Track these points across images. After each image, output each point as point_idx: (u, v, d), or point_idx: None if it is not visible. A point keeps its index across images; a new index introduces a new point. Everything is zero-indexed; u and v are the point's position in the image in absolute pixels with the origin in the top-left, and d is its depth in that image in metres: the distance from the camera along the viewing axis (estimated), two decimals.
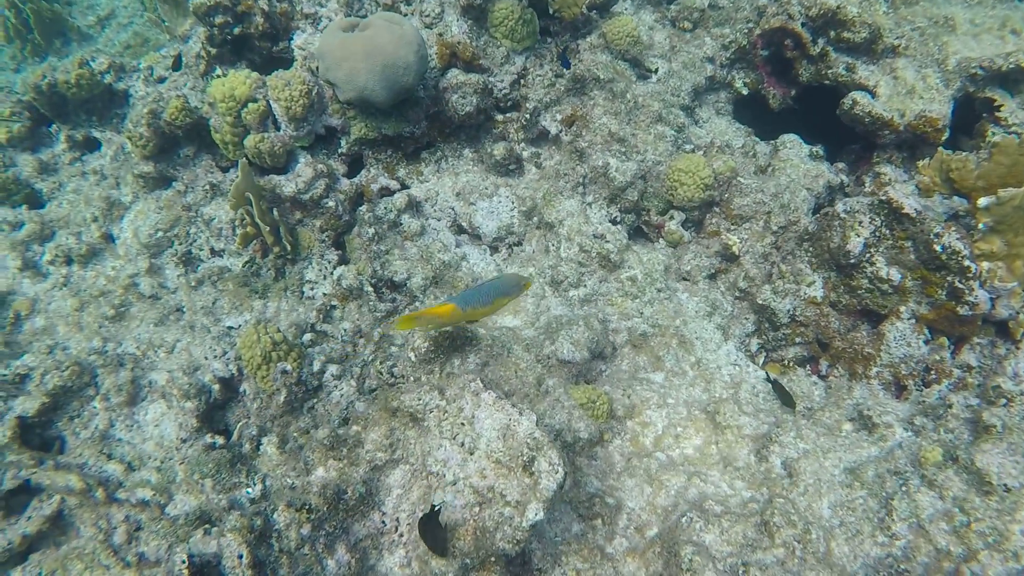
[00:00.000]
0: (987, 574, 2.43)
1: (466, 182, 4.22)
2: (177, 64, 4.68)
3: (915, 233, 3.28)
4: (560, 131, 4.22)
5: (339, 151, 4.26)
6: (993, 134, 4.17)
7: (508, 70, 4.38)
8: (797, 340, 3.69)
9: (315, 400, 3.51)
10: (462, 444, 2.47)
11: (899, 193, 3.27)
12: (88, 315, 3.93)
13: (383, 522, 2.54)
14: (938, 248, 3.18)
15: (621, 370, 3.60)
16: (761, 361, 3.72)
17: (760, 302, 3.68)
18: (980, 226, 3.17)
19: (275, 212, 3.97)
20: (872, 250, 3.42)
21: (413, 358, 3.39)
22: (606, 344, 3.62)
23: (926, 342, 3.39)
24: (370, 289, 3.85)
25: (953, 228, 3.19)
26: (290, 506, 2.47)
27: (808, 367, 3.68)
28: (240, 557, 2.47)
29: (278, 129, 4.05)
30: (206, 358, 3.58)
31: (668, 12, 4.89)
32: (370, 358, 3.68)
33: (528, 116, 4.21)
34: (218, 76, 4.55)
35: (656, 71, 4.60)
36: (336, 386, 3.51)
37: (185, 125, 4.13)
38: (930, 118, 3.89)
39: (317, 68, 4.04)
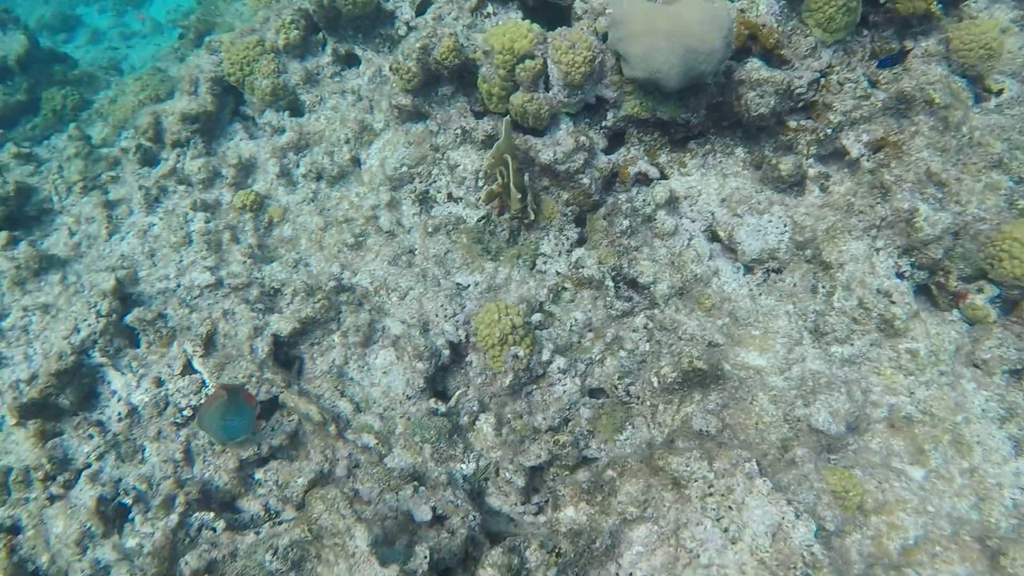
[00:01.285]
0: None
1: (735, 188, 3.76)
2: None
3: None
4: (863, 155, 3.60)
5: (603, 123, 3.92)
6: None
7: (810, 65, 3.76)
8: None
9: (535, 387, 3.37)
10: (725, 529, 2.19)
11: None
12: (330, 237, 4.00)
13: (617, 575, 2.36)
14: None
15: (871, 449, 3.12)
16: None
17: None
18: None
19: (526, 176, 3.76)
20: None
21: (656, 384, 3.12)
22: (861, 420, 3.14)
23: None
24: (611, 284, 3.58)
25: None
26: (542, 547, 2.35)
27: None
28: None
29: (548, 90, 3.76)
30: (436, 315, 3.53)
31: None
32: (598, 357, 3.46)
33: (829, 131, 3.62)
34: (488, 14, 4.32)
35: (1000, 93, 3.77)
36: (560, 379, 3.34)
37: (452, 66, 3.96)
38: None
39: (606, 34, 3.67)
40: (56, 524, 2.82)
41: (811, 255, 3.53)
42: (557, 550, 2.34)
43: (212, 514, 2.67)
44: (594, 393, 3.37)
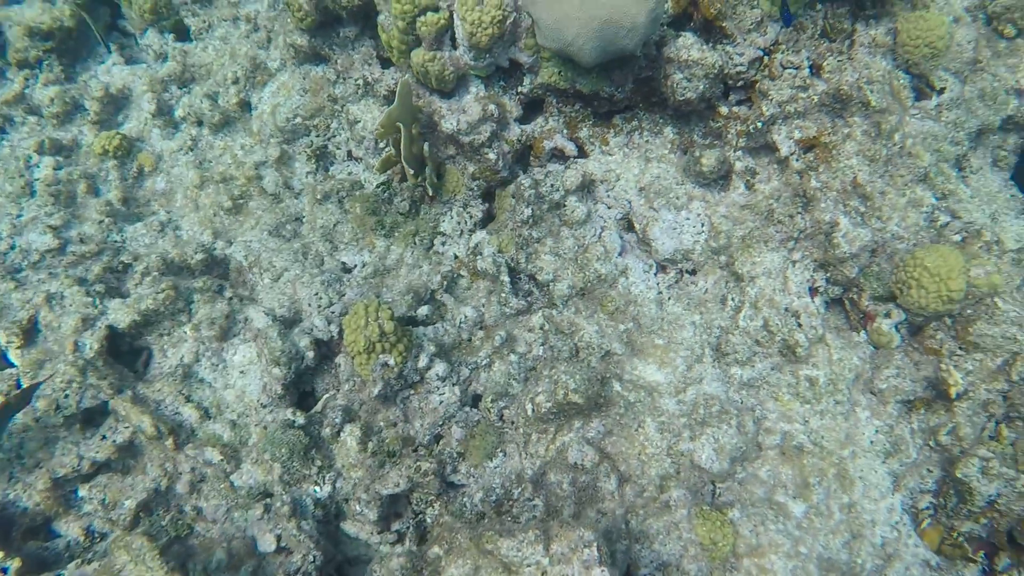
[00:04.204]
0: None
1: (656, 177, 3.43)
2: None
3: None
4: (793, 153, 3.29)
5: (519, 89, 3.48)
6: None
7: (754, 41, 3.36)
8: (983, 521, 2.99)
9: (411, 392, 3.13)
10: None
11: None
12: (206, 196, 3.56)
13: None
14: None
15: (759, 478, 3.02)
16: (925, 524, 3.06)
17: (959, 475, 2.94)
18: None
19: (426, 146, 3.34)
20: None
21: (530, 412, 2.91)
22: (752, 448, 3.03)
23: None
24: (507, 279, 3.29)
25: None
26: None
27: (983, 552, 3.01)
28: None
29: (454, 48, 3.29)
30: (309, 305, 3.21)
31: (989, 4, 3.60)
32: (484, 361, 3.22)
33: (760, 123, 3.27)
34: None
35: (942, 91, 3.46)
36: (438, 388, 3.10)
37: (352, 6, 3.42)
38: None
39: None
40: None
41: (725, 262, 3.29)
42: None
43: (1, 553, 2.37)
44: (477, 400, 3.16)
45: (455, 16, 3.15)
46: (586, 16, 2.89)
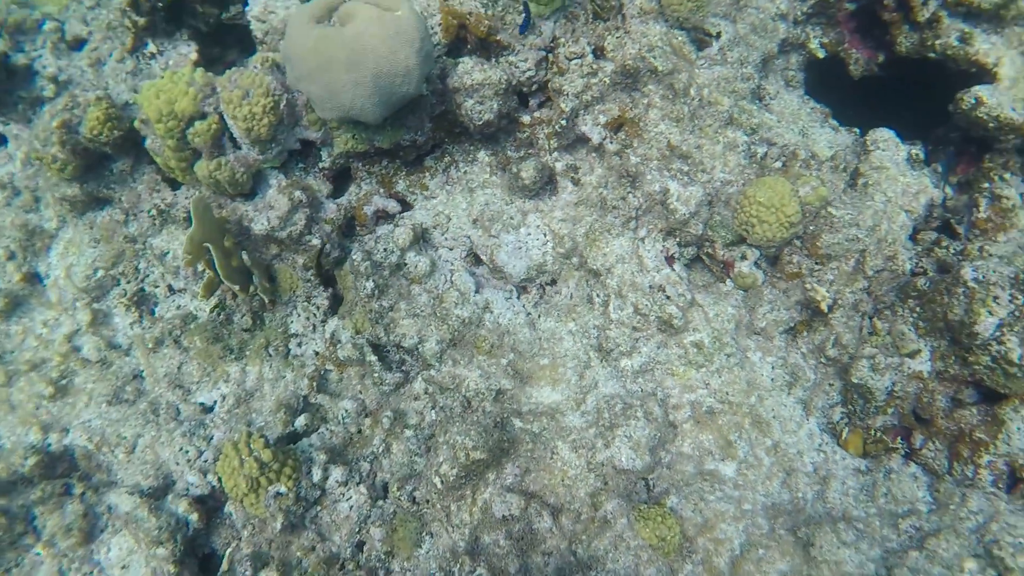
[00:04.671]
0: None
1: (485, 204, 3.36)
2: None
3: None
4: (604, 138, 3.31)
5: (320, 165, 3.32)
6: None
7: (533, 43, 3.37)
8: (890, 411, 3.10)
9: (318, 508, 2.90)
10: None
11: None
12: (20, 392, 3.16)
13: None
14: None
15: (684, 455, 3.00)
16: (845, 434, 3.14)
17: (855, 380, 3.04)
18: None
19: (244, 255, 3.12)
20: (1005, 329, 2.75)
21: (440, 485, 2.75)
22: (667, 430, 3.00)
23: None
24: (374, 358, 3.11)
25: None
26: None
27: (899, 438, 3.12)
28: None
29: (238, 148, 3.09)
30: (177, 464, 2.90)
31: None
32: (381, 448, 3.03)
33: (564, 120, 3.27)
34: (153, 55, 3.48)
35: (718, 36, 3.59)
36: (343, 494, 2.88)
37: (114, 139, 3.14)
38: None
39: (284, 67, 3.01)
40: None
41: (579, 262, 3.26)
42: None
43: None
44: (388, 489, 2.96)
45: (225, 117, 2.95)
46: (355, 77, 2.77)
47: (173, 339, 3.20)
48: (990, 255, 3.11)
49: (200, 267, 3.31)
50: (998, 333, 2.77)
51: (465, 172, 3.49)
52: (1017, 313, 2.72)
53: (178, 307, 3.28)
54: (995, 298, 2.73)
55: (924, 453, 3.08)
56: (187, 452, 2.89)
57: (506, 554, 2.67)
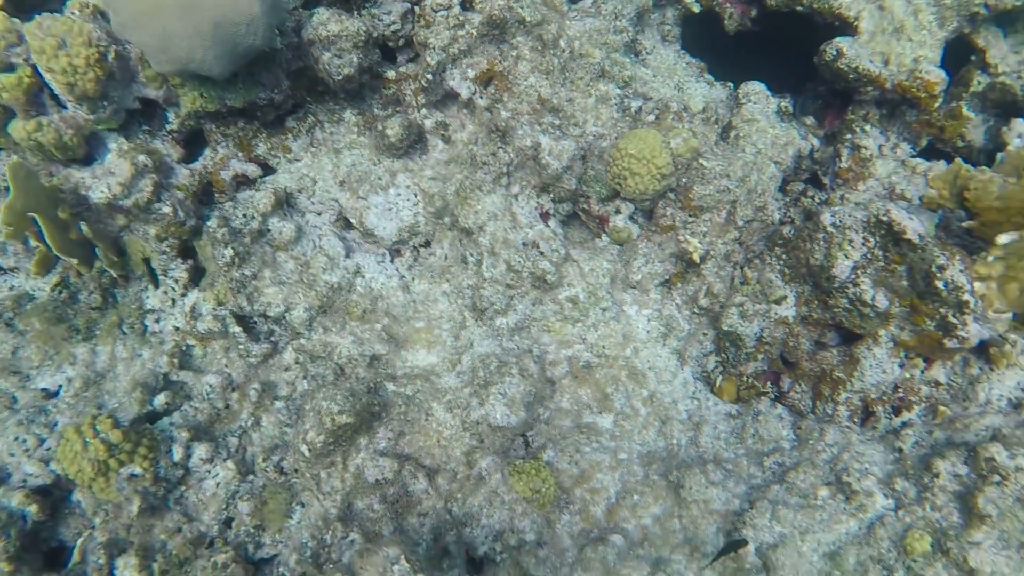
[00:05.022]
0: None
1: (352, 166, 3.20)
2: None
3: (913, 260, 2.72)
4: (474, 93, 3.20)
5: (168, 127, 3.07)
6: (979, 83, 3.57)
7: None
8: (760, 357, 3.19)
9: (183, 488, 2.73)
10: None
11: (902, 215, 2.65)
12: None
13: None
14: (940, 284, 2.65)
15: (562, 410, 2.99)
16: (719, 382, 3.21)
17: (726, 328, 3.09)
18: (990, 258, 2.64)
19: (84, 227, 2.85)
20: (859, 271, 2.86)
21: (307, 452, 2.63)
22: (545, 387, 2.98)
23: (901, 365, 2.97)
24: (237, 329, 2.93)
25: (958, 258, 2.64)
26: None
27: (769, 382, 3.22)
28: None
29: (63, 107, 2.80)
30: (12, 456, 2.65)
31: None
32: (250, 422, 2.88)
33: (431, 75, 3.14)
34: None
35: None
36: (209, 472, 2.72)
37: None
38: (927, 81, 3.19)
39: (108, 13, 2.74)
40: None
41: (451, 222, 3.17)
42: None
43: None
44: (262, 489, 2.82)
45: (39, 70, 2.66)
46: (192, 25, 2.54)
47: (4, 322, 2.91)
48: (849, 203, 3.23)
49: (33, 242, 3.02)
50: (853, 276, 2.87)
51: (331, 133, 3.31)
52: (870, 255, 2.82)
53: (11, 288, 2.98)
54: (850, 241, 2.83)
55: (791, 395, 3.19)
56: (25, 441, 2.64)
57: (380, 518, 2.59)
